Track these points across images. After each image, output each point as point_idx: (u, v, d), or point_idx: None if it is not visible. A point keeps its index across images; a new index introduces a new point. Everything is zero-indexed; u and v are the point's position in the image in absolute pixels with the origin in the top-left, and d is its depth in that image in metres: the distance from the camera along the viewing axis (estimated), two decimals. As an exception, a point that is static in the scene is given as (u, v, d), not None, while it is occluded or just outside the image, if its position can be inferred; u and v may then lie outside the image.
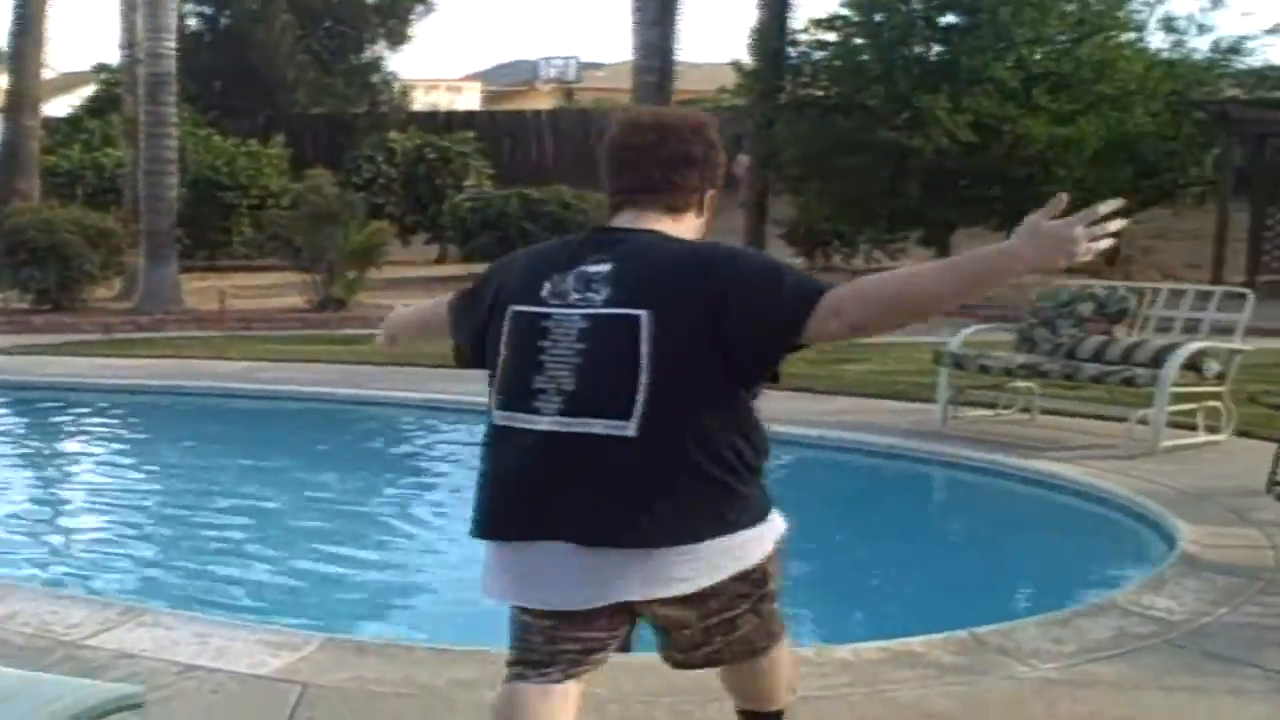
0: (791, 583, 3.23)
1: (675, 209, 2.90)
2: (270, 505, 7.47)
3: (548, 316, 2.75)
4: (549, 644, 2.84)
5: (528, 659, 2.86)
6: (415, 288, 17.54)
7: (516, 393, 2.76)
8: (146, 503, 7.90)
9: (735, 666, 3.09)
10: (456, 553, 6.51)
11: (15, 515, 7.50)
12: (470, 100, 41.86)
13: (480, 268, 15.70)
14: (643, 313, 2.69)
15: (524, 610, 2.85)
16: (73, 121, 26.37)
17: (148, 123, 16.75)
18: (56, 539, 7.14)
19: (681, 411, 2.71)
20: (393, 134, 24.30)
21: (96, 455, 9.40)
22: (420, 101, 34.67)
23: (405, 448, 9.75)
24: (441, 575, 6.29)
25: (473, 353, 2.98)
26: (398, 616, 5.77)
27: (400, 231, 21.18)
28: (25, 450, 9.66)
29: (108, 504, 7.85)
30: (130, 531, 7.20)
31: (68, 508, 7.93)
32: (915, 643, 4.39)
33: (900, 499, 7.72)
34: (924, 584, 6.02)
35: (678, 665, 3.02)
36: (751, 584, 2.87)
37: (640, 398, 2.67)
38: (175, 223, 17.16)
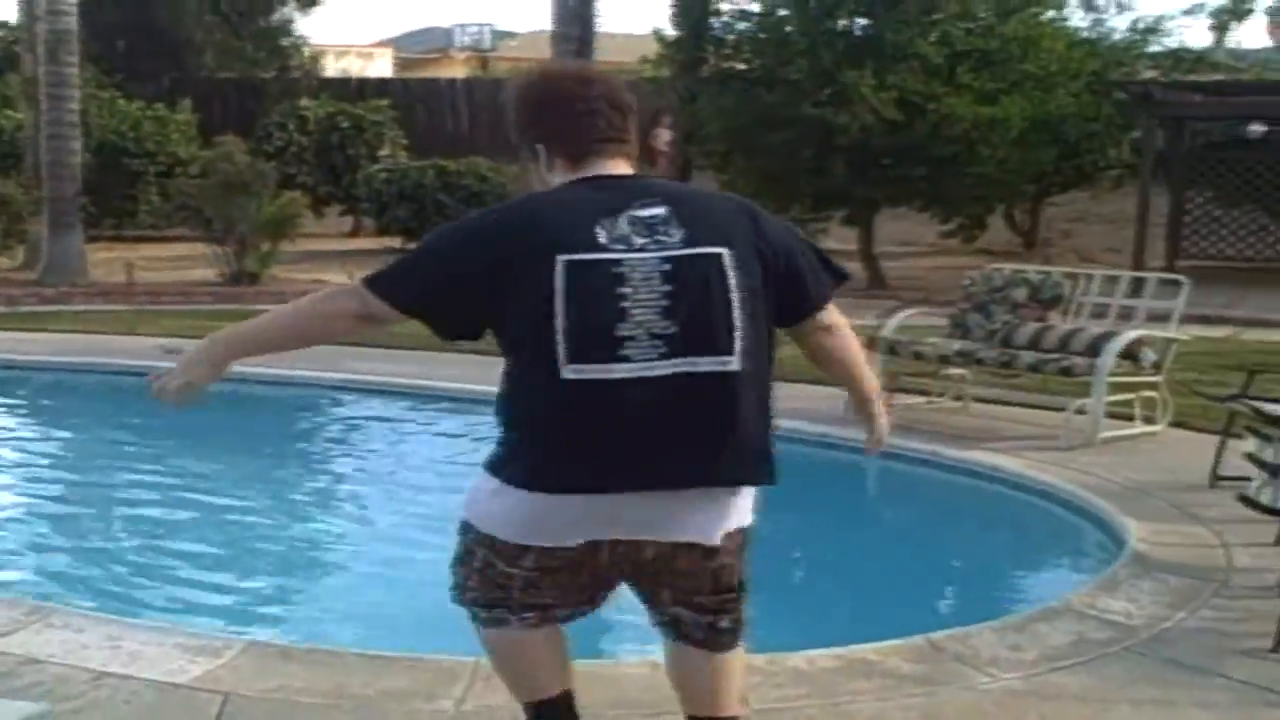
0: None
1: (630, 158, 2.97)
2: (189, 494, 7.14)
3: (619, 263, 2.74)
4: (544, 593, 2.96)
5: (512, 603, 2.97)
6: (330, 261, 17.13)
7: (596, 343, 2.71)
8: (55, 491, 7.54)
9: (699, 664, 3.09)
10: (380, 548, 6.30)
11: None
12: (382, 68, 41.15)
13: (394, 241, 15.42)
14: (724, 250, 2.79)
15: (538, 556, 2.89)
16: (-30, 82, 25.46)
17: (49, 83, 16.14)
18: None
19: (761, 348, 2.82)
20: (304, 101, 23.70)
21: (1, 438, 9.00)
22: (331, 68, 34.01)
23: (333, 430, 9.45)
24: (363, 572, 6.05)
25: (466, 324, 2.91)
26: (320, 618, 5.51)
27: (313, 203, 20.65)
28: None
29: (13, 491, 7.50)
30: (37, 522, 6.86)
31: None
32: (869, 650, 4.26)
33: (836, 491, 7.59)
34: (869, 583, 5.86)
35: (680, 636, 3.06)
36: (745, 541, 3.02)
37: (738, 332, 2.76)
38: (80, 190, 16.59)
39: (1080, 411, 7.49)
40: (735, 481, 2.88)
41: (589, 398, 2.72)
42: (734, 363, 2.75)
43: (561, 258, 2.73)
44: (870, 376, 3.27)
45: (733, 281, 2.78)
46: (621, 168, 2.96)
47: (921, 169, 15.68)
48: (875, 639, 4.34)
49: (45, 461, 8.32)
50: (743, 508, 2.94)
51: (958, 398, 8.63)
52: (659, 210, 2.80)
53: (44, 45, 16.25)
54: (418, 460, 8.21)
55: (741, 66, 16.58)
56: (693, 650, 3.08)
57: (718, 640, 3.06)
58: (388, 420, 9.19)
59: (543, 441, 2.82)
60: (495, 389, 2.92)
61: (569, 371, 2.72)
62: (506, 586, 2.96)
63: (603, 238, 2.75)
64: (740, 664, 3.17)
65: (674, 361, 2.72)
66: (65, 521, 6.86)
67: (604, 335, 2.71)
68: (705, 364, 2.74)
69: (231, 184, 15.63)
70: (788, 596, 5.76)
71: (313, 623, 5.38)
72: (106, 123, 20.68)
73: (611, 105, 2.95)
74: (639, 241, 2.76)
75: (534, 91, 3.03)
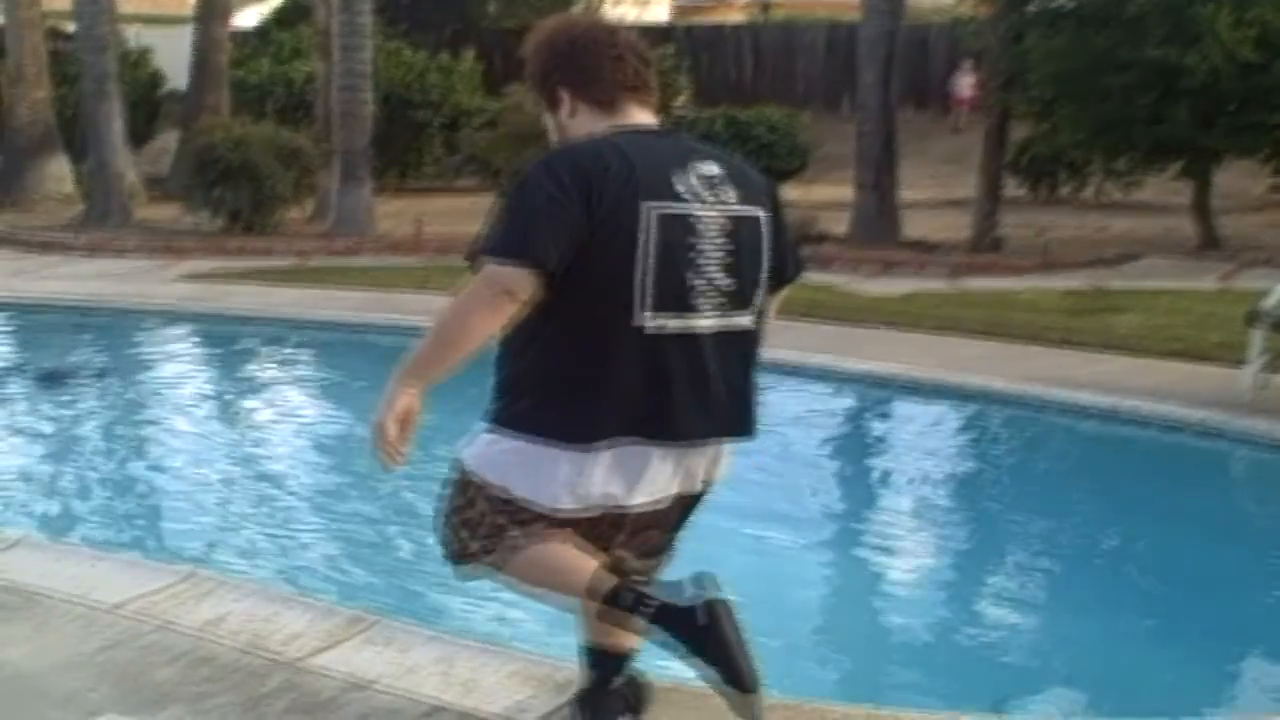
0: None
1: (654, 110, 3.02)
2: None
3: (693, 215, 2.82)
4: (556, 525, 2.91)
5: (516, 533, 2.90)
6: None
7: (673, 294, 2.79)
8: (367, 475, 6.84)
9: None
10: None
11: (217, 485, 6.55)
12: (658, 13, 40.37)
13: None
14: (762, 214, 2.95)
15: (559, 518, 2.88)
16: (261, 33, 25.70)
17: (342, 33, 15.78)
18: (258, 517, 6.15)
19: (764, 308, 3.00)
20: (589, 48, 23.05)
21: (308, 412, 8.46)
22: (608, 15, 33.39)
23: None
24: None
25: (559, 269, 2.74)
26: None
27: (598, 154, 20.00)
28: (234, 400, 8.76)
29: (322, 477, 6.86)
30: (347, 510, 6.17)
31: (276, 477, 6.92)
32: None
33: (1218, 490, 6.42)
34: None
35: (623, 568, 2.94)
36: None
37: (760, 291, 2.95)
38: (370, 142, 16.23)
39: None
40: (744, 434, 3.01)
41: (664, 348, 2.80)
42: (752, 320, 2.95)
43: (647, 204, 2.75)
44: None
45: (766, 245, 2.94)
46: (650, 119, 2.99)
47: (1278, 116, 13.86)
48: None
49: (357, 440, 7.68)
50: (722, 459, 3.05)
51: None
52: (715, 169, 2.89)
53: (338, -5, 15.89)
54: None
55: (1072, 3, 14.96)
56: None
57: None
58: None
59: (603, 394, 2.79)
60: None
61: (647, 320, 2.78)
62: (505, 528, 2.91)
63: (679, 188, 2.81)
64: None
65: (726, 315, 2.87)
66: (378, 511, 6.12)
67: (680, 285, 2.80)
68: (740, 320, 2.90)
69: (523, 135, 14.99)
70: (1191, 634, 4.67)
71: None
72: (392, 74, 20.38)
73: (637, 55, 2.97)
74: (706, 196, 2.84)
75: (561, 36, 3.01)
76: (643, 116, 2.96)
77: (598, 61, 2.93)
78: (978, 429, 8.22)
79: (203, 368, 10.05)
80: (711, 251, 2.81)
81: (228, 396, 8.83)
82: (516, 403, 2.86)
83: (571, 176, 2.75)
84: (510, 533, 2.90)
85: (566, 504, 2.85)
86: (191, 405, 8.47)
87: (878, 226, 15.06)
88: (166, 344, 10.49)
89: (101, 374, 9.05)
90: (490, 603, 4.91)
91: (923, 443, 7.81)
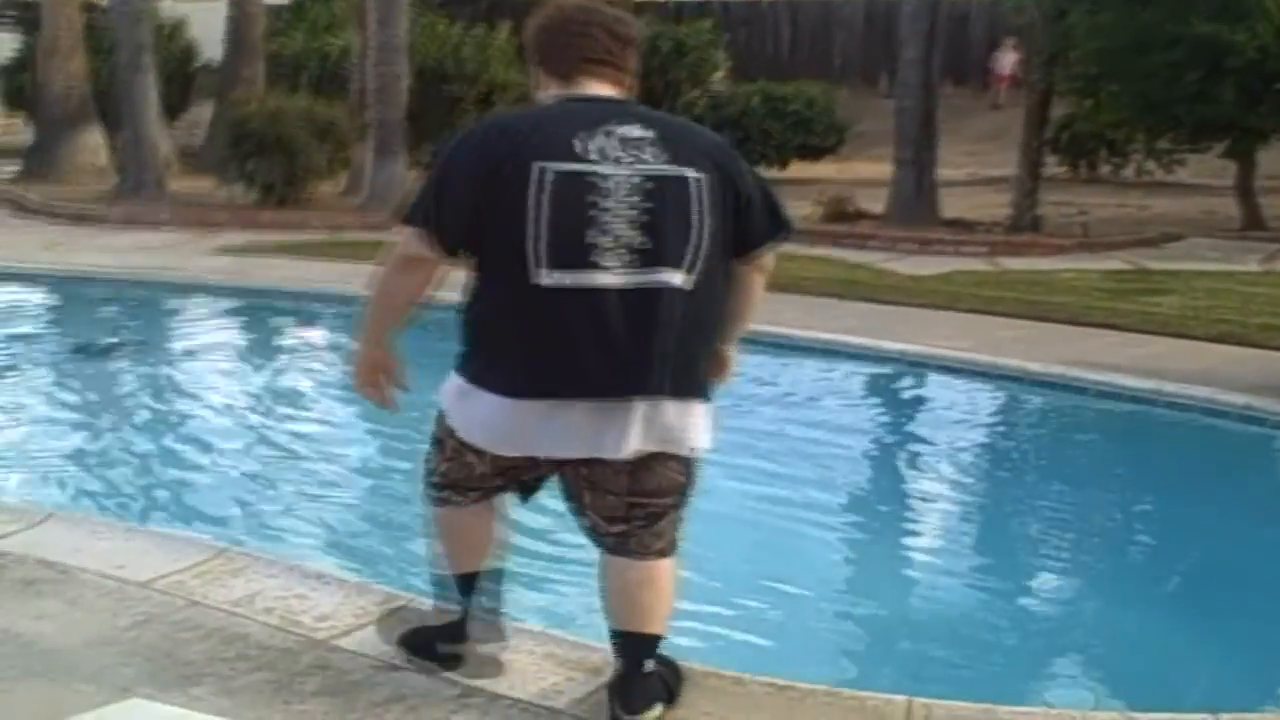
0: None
1: (621, 85, 3.12)
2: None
3: (595, 174, 2.89)
4: (492, 479, 3.22)
5: (462, 486, 3.24)
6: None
7: (570, 250, 2.88)
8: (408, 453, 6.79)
9: (624, 577, 3.13)
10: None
11: (252, 460, 6.53)
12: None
13: None
14: (701, 175, 2.97)
15: (494, 459, 3.13)
16: (296, 5, 25.63)
17: (378, 6, 15.73)
18: (293, 493, 6.12)
19: (715, 272, 3.02)
20: (624, 23, 22.87)
21: (345, 387, 8.41)
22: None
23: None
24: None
25: (471, 232, 2.98)
26: (729, 634, 4.51)
27: (633, 128, 19.86)
28: (270, 375, 8.74)
29: (358, 453, 6.82)
30: (384, 487, 6.13)
31: (310, 453, 6.87)
32: None
33: (1262, 476, 6.32)
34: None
35: (590, 528, 3.18)
36: (690, 467, 3.14)
37: (701, 253, 2.96)
38: (405, 115, 16.15)
39: None
40: (680, 396, 3.00)
41: (563, 303, 2.90)
42: (690, 281, 2.96)
43: (539, 164, 2.88)
44: (745, 324, 3.32)
45: (706, 205, 2.97)
46: (608, 90, 3.11)
47: (1327, 94, 13.62)
48: None
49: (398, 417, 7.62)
50: (674, 425, 3.02)
51: None
52: (639, 130, 2.97)
53: (374, -35, 15.80)
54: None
55: (1118, -22, 14.72)
56: (611, 558, 3.16)
57: (624, 547, 3.12)
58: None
59: (515, 348, 2.97)
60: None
61: (544, 277, 2.89)
62: (469, 470, 3.19)
63: (579, 148, 2.91)
64: (672, 573, 3.19)
65: (641, 272, 2.91)
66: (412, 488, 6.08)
67: (577, 243, 2.88)
68: (667, 278, 2.93)
69: (557, 110, 14.88)
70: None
71: (716, 642, 4.42)
72: (426, 47, 20.27)
73: (609, 33, 3.11)
74: (617, 155, 2.92)
75: (540, 17, 3.21)
76: (599, 88, 3.10)
77: (563, 39, 3.12)
78: (1015, 411, 8.12)
79: (238, 341, 10.04)
80: (621, 209, 2.90)
81: (263, 371, 8.81)
82: (462, 350, 3.12)
83: (471, 145, 3.04)
84: (465, 486, 3.24)
85: (479, 440, 3.11)
86: (226, 379, 8.46)
87: (915, 205, 14.90)
88: (200, 318, 10.47)
89: (134, 347, 9.04)
90: (525, 584, 4.87)
91: (958, 425, 7.71)
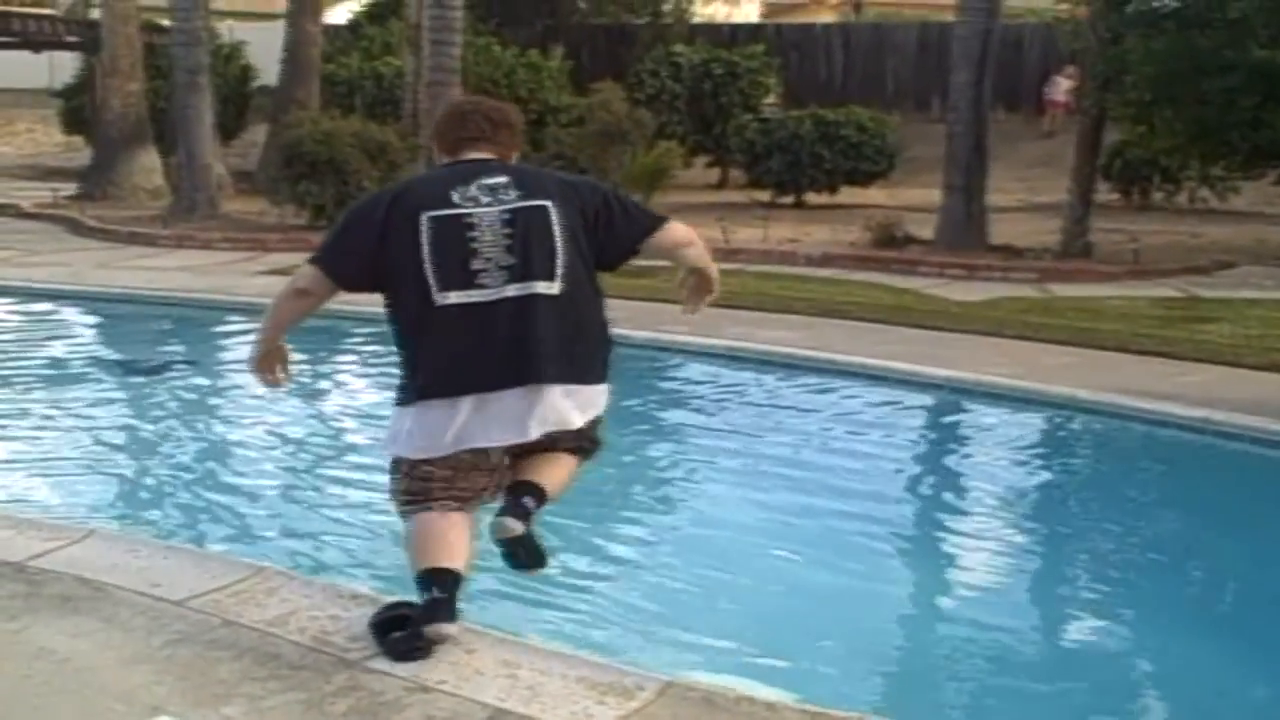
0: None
1: (497, 153, 3.91)
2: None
3: (469, 215, 3.69)
4: (454, 484, 3.74)
5: (428, 495, 3.73)
6: (697, 214, 16.19)
7: (456, 277, 3.64)
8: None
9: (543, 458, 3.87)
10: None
11: (295, 481, 6.56)
12: (749, 12, 40.17)
13: (764, 194, 14.78)
14: (549, 202, 3.76)
15: (437, 465, 3.72)
16: (352, 28, 25.88)
17: (432, 28, 15.79)
18: (333, 513, 6.14)
19: (580, 278, 3.77)
20: (678, 47, 22.90)
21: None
22: (698, 14, 33.25)
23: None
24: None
25: (362, 273, 3.77)
26: (758, 657, 4.49)
27: (685, 153, 19.87)
28: (316, 396, 8.77)
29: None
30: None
31: (354, 476, 6.88)
32: None
33: None
34: None
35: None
36: (594, 427, 3.92)
37: (561, 263, 3.71)
38: (456, 137, 16.23)
39: None
40: (568, 381, 3.72)
41: (453, 318, 3.63)
42: (556, 287, 3.69)
43: (425, 213, 3.67)
44: (695, 247, 4.11)
45: (557, 226, 3.73)
46: (484, 155, 3.88)
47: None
48: None
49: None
50: (560, 406, 3.72)
51: None
52: (501, 179, 3.77)
53: (430, -11, 15.91)
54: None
55: (1174, 4, 14.58)
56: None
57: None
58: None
59: (425, 359, 3.70)
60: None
61: (440, 298, 3.64)
62: (428, 482, 3.73)
63: (455, 198, 3.70)
64: (573, 472, 3.97)
65: (517, 286, 3.65)
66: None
67: (461, 269, 3.64)
68: (539, 287, 3.67)
69: (610, 133, 14.92)
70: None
71: (746, 663, 4.39)
72: (481, 69, 20.41)
73: (486, 118, 3.94)
74: (485, 200, 3.71)
75: (440, 112, 4.40)
76: (478, 155, 3.88)
77: (450, 124, 3.99)
78: (1062, 439, 8.03)
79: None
80: (492, 239, 3.65)
81: (310, 392, 8.85)
82: (396, 389, 3.84)
83: (371, 205, 3.85)
84: (428, 495, 3.72)
85: (419, 448, 3.72)
86: (272, 401, 8.50)
87: (965, 230, 14.79)
88: (248, 339, 10.52)
89: (182, 367, 9.11)
90: (558, 607, 4.86)
91: (1004, 453, 7.63)
